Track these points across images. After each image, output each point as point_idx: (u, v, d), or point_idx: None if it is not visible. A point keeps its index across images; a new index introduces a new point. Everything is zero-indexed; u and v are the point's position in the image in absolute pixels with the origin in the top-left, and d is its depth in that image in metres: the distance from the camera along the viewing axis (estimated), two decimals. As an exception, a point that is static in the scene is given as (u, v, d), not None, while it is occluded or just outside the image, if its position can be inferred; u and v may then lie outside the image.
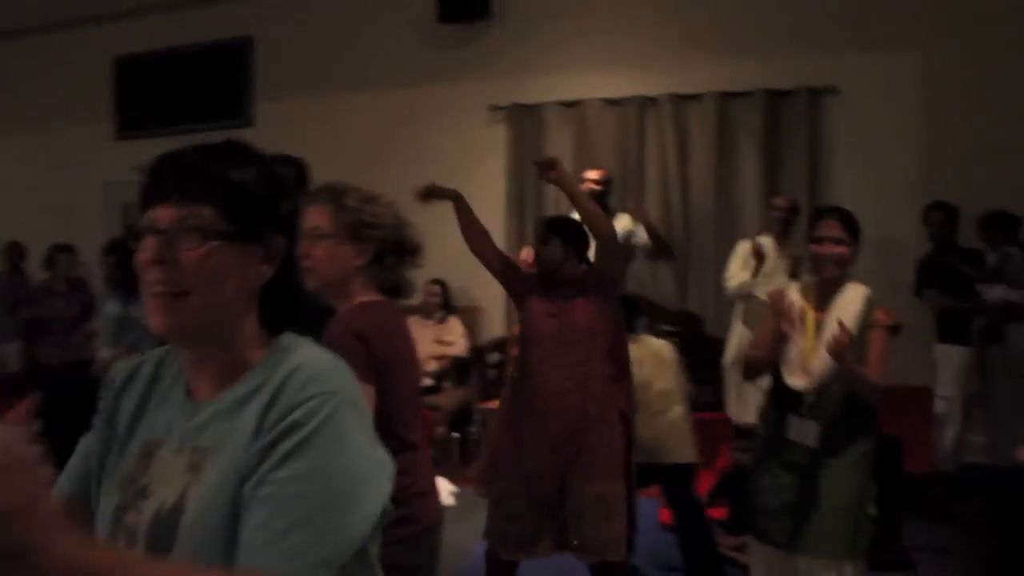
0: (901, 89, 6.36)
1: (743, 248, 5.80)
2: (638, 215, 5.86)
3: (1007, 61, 6.13)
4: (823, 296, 3.18)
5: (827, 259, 3.12)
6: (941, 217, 5.80)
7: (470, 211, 3.66)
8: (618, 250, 3.74)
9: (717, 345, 6.48)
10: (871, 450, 3.15)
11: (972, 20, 6.19)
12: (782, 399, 3.24)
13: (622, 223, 5.83)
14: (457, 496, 5.57)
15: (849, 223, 3.12)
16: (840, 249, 3.10)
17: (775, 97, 6.53)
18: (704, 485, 5.02)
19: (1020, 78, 6.10)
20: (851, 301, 3.12)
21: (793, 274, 5.33)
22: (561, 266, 3.67)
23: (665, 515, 5.04)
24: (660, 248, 5.95)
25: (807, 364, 3.12)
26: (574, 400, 3.60)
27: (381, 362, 2.17)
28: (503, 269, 3.76)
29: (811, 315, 3.17)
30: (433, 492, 2.28)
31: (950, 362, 5.66)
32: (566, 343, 3.62)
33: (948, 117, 6.27)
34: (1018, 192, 5.94)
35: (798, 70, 6.46)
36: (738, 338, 5.68)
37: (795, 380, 3.16)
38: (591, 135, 6.89)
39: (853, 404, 3.10)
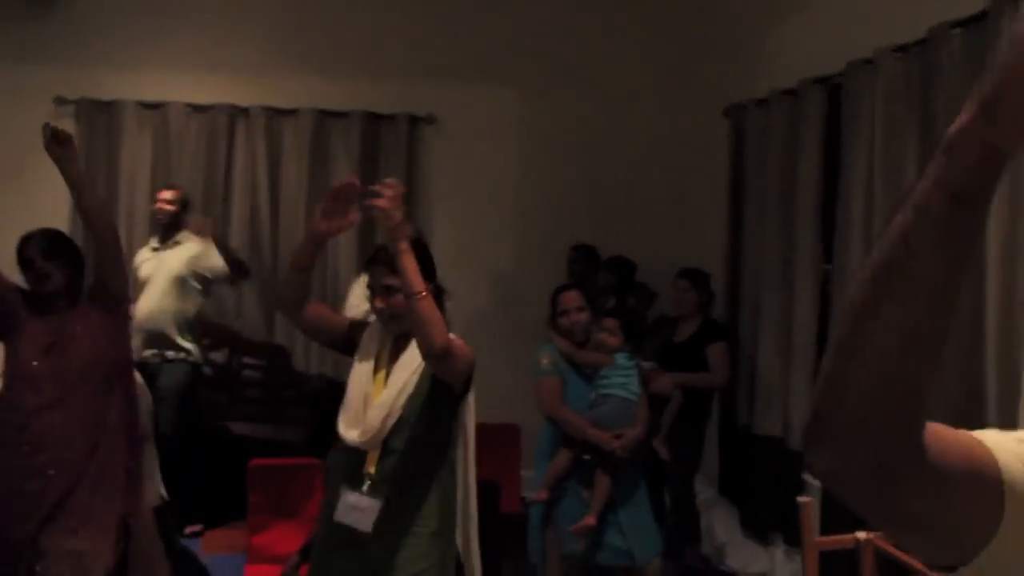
0: (498, 122, 6.52)
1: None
2: (199, 231, 5.36)
3: (592, 103, 6.49)
4: (395, 348, 2.85)
5: (383, 313, 2.81)
6: (576, 256, 6.11)
7: None
8: (121, 256, 3.34)
9: (304, 381, 6.12)
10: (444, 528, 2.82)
11: (563, 62, 6.50)
12: (341, 459, 2.82)
13: (190, 249, 5.35)
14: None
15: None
16: (394, 300, 2.75)
17: (375, 120, 6.34)
18: (297, 540, 4.61)
19: (608, 119, 6.49)
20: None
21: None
22: (66, 289, 3.22)
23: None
24: (235, 267, 5.49)
25: (365, 410, 2.74)
26: (75, 454, 3.10)
27: None
28: None
29: (382, 358, 2.85)
30: None
31: None
32: (67, 382, 3.12)
33: (543, 152, 6.54)
34: (602, 228, 6.30)
35: (399, 95, 6.35)
36: None
37: (351, 432, 2.74)
38: (174, 142, 6.23)
39: (418, 464, 2.75)
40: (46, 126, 3.04)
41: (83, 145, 6.19)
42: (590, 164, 6.51)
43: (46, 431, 3.10)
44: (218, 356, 5.89)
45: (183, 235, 5.44)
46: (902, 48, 4.04)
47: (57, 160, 3.06)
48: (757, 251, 5.38)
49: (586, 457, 3.65)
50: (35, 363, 3.14)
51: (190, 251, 5.38)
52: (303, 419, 5.97)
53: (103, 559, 3.13)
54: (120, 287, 3.30)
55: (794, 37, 5.21)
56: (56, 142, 3.02)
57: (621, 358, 3.77)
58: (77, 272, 3.27)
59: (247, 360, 6.02)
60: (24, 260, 3.22)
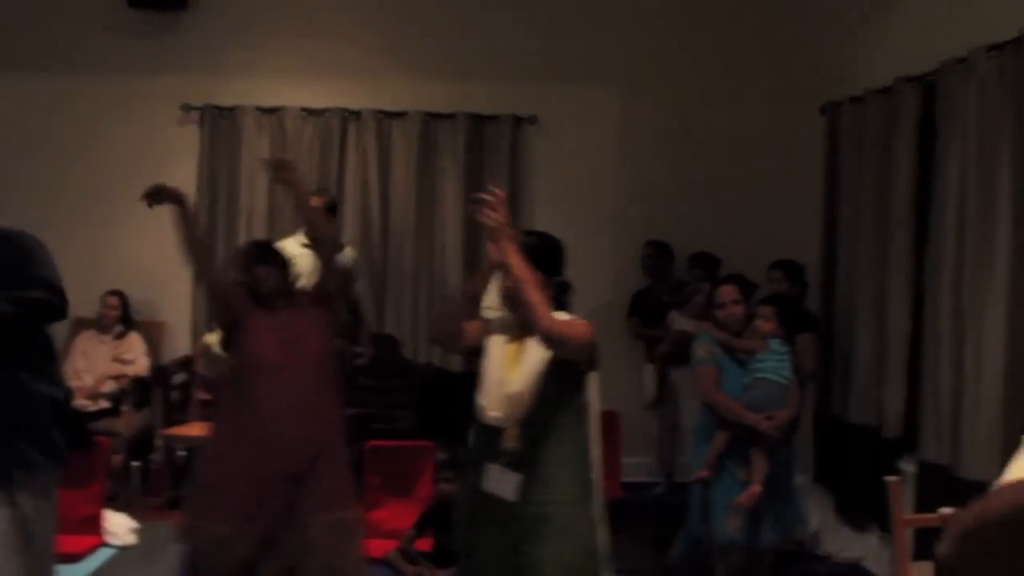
0: (599, 122, 6.75)
1: None
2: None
3: (690, 103, 6.68)
4: (523, 326, 2.96)
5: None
6: (652, 251, 6.40)
7: (194, 219, 3.57)
8: (334, 258, 3.74)
9: (413, 368, 6.44)
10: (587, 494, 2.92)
11: (662, 63, 6.71)
12: (481, 438, 2.99)
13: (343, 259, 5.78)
14: (141, 533, 5.14)
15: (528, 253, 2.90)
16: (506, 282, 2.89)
17: (479, 121, 6.63)
18: (410, 517, 4.96)
19: (706, 118, 6.68)
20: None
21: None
22: (281, 292, 3.61)
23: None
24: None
25: (503, 391, 2.89)
26: (306, 436, 3.45)
27: None
28: (224, 289, 3.63)
29: (512, 345, 2.98)
30: None
31: (647, 381, 6.27)
32: (297, 368, 3.49)
33: (641, 151, 6.75)
34: (697, 225, 6.51)
35: (503, 97, 6.63)
36: None
37: (491, 412, 2.91)
38: (290, 144, 6.62)
39: (559, 438, 2.89)
40: (266, 162, 3.64)
41: (206, 148, 6.66)
42: (687, 162, 6.68)
43: (281, 417, 3.43)
44: (333, 345, 6.24)
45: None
46: (996, 47, 4.13)
47: (286, 185, 3.58)
48: (852, 248, 5.49)
49: (741, 438, 3.88)
50: (271, 356, 3.49)
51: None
52: (411, 405, 6.30)
53: (355, 523, 3.54)
54: (336, 285, 3.71)
55: (889, 36, 5.32)
56: (280, 170, 3.46)
57: (775, 344, 3.96)
58: (287, 274, 3.65)
59: (358, 349, 6.36)
60: (243, 267, 3.63)
